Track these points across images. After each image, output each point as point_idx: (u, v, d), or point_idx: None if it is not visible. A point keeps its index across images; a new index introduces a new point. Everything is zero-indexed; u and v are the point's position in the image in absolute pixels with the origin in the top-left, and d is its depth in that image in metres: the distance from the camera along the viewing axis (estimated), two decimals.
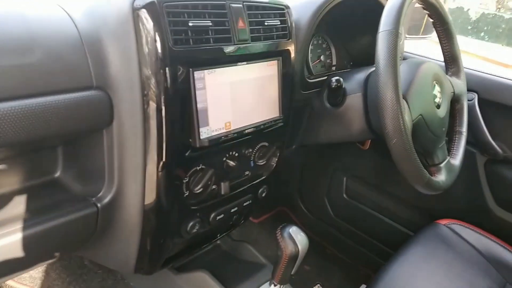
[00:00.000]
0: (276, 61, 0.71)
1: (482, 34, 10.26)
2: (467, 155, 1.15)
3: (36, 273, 1.03)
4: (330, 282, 1.38)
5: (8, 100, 0.45)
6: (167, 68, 0.53)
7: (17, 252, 0.54)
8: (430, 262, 0.96)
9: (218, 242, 0.94)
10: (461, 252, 1.02)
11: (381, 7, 0.72)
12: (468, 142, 1.14)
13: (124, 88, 0.53)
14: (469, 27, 10.37)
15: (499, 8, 10.15)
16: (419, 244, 1.00)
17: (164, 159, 0.58)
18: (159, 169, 0.58)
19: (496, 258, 1.02)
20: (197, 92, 0.58)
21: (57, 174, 0.65)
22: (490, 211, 1.15)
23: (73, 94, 0.50)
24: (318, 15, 0.83)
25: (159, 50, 0.52)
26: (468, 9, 10.44)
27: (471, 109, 1.13)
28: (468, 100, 1.12)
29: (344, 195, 1.47)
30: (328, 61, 1.11)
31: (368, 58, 0.76)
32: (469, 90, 1.13)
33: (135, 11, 0.52)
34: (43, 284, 1.01)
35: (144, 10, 0.52)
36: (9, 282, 1.02)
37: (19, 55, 0.46)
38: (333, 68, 1.11)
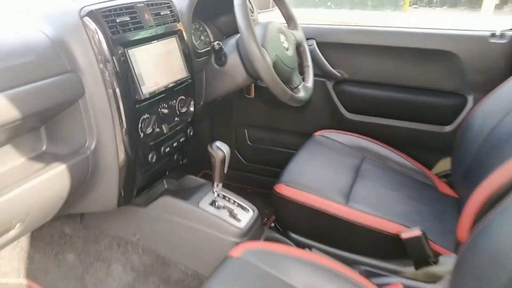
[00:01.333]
0: (174, 37, 1.05)
1: (329, 3, 11.42)
2: (319, 83, 1.63)
3: (20, 262, 1.23)
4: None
5: (23, 85, 0.72)
6: (111, 50, 0.84)
7: (42, 194, 0.80)
8: (312, 158, 1.38)
9: (166, 186, 1.25)
10: (332, 148, 1.47)
11: None
12: (318, 75, 1.62)
13: (88, 68, 0.83)
14: (317, 0, 11.46)
15: None
16: (303, 150, 1.43)
17: (123, 112, 0.88)
18: (122, 119, 0.89)
19: (355, 145, 1.49)
20: (133, 63, 0.89)
21: (44, 148, 0.90)
22: (344, 117, 1.65)
23: (57, 77, 0.78)
24: (192, 3, 1.19)
25: (103, 39, 0.83)
26: None
27: (313, 51, 1.60)
28: (310, 45, 1.59)
29: (249, 142, 1.87)
30: (207, 39, 1.47)
31: (235, 29, 1.13)
32: (309, 38, 1.60)
33: (82, 18, 0.81)
34: (32, 267, 1.22)
35: (87, 17, 0.82)
36: None
37: (21, 57, 0.73)
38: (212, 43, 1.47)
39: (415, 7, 10.74)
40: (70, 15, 0.82)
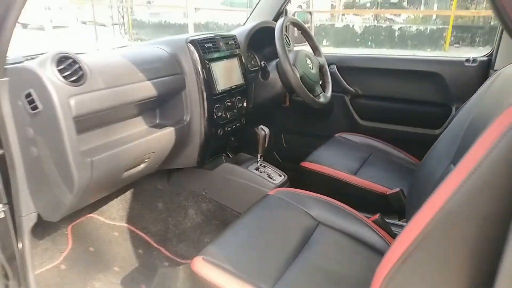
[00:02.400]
0: (236, 58, 1.64)
1: (369, 43, 11.86)
2: (339, 98, 2.16)
3: (124, 210, 1.81)
4: None
5: (157, 78, 1.31)
6: (202, 63, 1.43)
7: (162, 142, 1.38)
8: (331, 150, 1.88)
9: (225, 160, 1.80)
10: (347, 144, 1.96)
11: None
12: (338, 91, 2.15)
13: (188, 73, 1.43)
14: (358, 40, 11.95)
15: (376, 19, 12.00)
16: (324, 145, 1.94)
17: (205, 101, 1.46)
18: (204, 105, 1.46)
19: (366, 144, 1.97)
20: (212, 72, 1.48)
21: (157, 121, 1.50)
22: (358, 123, 2.15)
23: (172, 76, 1.38)
24: (247, 37, 1.79)
25: (197, 56, 1.42)
26: (353, 25, 12.15)
27: (334, 73, 2.13)
28: (331, 69, 2.14)
29: (284, 145, 2.40)
30: (256, 63, 2.06)
31: (275, 56, 1.70)
32: (331, 63, 2.15)
33: (187, 43, 1.42)
34: (132, 214, 1.79)
35: (189, 44, 1.43)
36: (101, 218, 1.78)
37: (156, 63, 1.34)
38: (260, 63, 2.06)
39: (457, 46, 11.02)
40: (180, 41, 1.43)
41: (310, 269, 1.04)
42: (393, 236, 1.31)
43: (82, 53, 1.22)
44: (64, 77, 1.02)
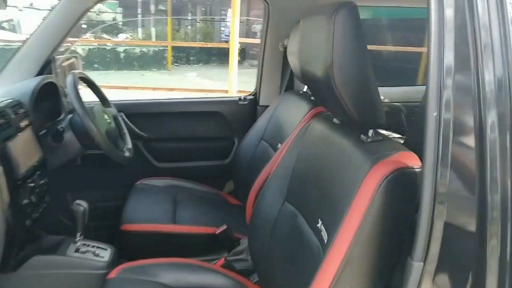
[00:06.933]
0: (29, 128, 1.36)
1: (96, 65, 11.60)
2: (132, 144, 2.10)
3: None
4: None
5: None
6: None
7: None
8: (140, 201, 1.81)
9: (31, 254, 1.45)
10: (153, 190, 1.93)
11: None
12: (130, 138, 2.08)
13: None
14: (83, 63, 11.36)
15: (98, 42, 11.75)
16: (131, 198, 1.83)
17: (8, 190, 1.16)
18: (6, 196, 1.16)
19: (170, 185, 1.98)
20: (10, 153, 1.18)
21: None
22: (156, 166, 2.15)
23: None
24: (32, 99, 1.47)
25: None
26: (75, 48, 11.54)
27: (124, 121, 2.05)
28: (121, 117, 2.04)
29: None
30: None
31: (58, 115, 1.49)
32: (119, 111, 2.01)
33: None
34: None
35: None
36: None
37: None
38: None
39: (177, 65, 12.38)
40: None
41: None
42: (242, 273, 1.43)
43: None
44: None
